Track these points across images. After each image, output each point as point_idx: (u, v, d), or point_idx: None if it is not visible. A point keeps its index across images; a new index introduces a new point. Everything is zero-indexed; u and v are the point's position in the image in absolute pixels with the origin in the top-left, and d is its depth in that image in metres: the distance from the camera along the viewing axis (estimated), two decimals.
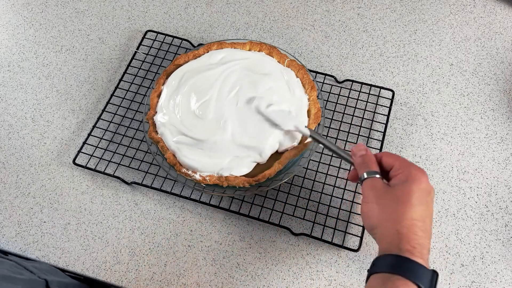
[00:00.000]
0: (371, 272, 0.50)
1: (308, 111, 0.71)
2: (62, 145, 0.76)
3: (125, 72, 0.82)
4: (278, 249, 0.67)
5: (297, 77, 0.73)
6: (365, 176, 0.54)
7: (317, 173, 0.71)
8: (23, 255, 0.67)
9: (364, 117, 0.76)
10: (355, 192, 0.70)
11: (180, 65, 0.75)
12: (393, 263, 0.47)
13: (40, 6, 0.93)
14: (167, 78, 0.74)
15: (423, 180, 0.51)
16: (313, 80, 0.73)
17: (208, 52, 0.76)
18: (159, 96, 0.73)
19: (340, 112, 0.77)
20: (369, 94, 0.78)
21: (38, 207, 0.71)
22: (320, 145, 0.64)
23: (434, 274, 0.48)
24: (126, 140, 0.76)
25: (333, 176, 0.71)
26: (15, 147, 0.77)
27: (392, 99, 0.77)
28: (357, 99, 0.78)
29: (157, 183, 0.71)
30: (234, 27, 0.88)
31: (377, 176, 0.54)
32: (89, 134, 0.76)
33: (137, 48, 0.85)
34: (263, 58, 0.75)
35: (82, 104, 0.80)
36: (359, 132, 0.75)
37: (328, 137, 0.74)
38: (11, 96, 0.82)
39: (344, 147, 0.73)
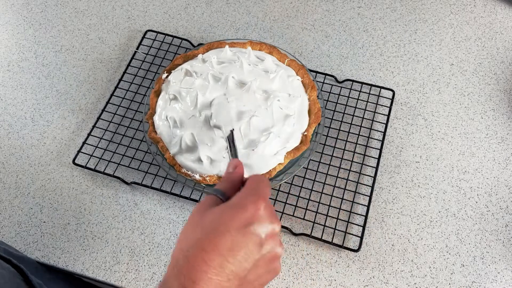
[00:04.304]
0: None
1: (308, 111, 0.70)
2: (62, 145, 0.76)
3: (125, 72, 0.82)
4: None
5: (297, 76, 0.73)
6: (209, 191, 0.44)
7: (317, 173, 0.71)
8: (22, 255, 0.67)
9: (364, 117, 0.76)
10: (355, 192, 0.70)
11: (180, 65, 0.75)
12: None
13: (40, 6, 0.93)
14: (167, 77, 0.74)
15: (248, 208, 0.41)
16: (313, 80, 0.73)
17: (208, 51, 0.76)
18: (158, 96, 0.72)
19: (340, 112, 0.77)
20: (369, 94, 0.78)
21: (37, 207, 0.71)
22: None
23: None
24: (126, 140, 0.76)
25: (333, 176, 0.71)
26: (14, 147, 0.77)
27: (392, 99, 0.77)
28: (357, 99, 0.78)
29: (157, 183, 0.71)
30: (234, 27, 0.88)
31: (218, 195, 0.44)
32: (89, 134, 0.76)
33: (137, 48, 0.85)
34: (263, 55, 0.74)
35: (81, 104, 0.80)
36: (359, 132, 0.75)
37: (328, 137, 0.74)
38: (10, 96, 0.82)
39: (344, 147, 0.73)
